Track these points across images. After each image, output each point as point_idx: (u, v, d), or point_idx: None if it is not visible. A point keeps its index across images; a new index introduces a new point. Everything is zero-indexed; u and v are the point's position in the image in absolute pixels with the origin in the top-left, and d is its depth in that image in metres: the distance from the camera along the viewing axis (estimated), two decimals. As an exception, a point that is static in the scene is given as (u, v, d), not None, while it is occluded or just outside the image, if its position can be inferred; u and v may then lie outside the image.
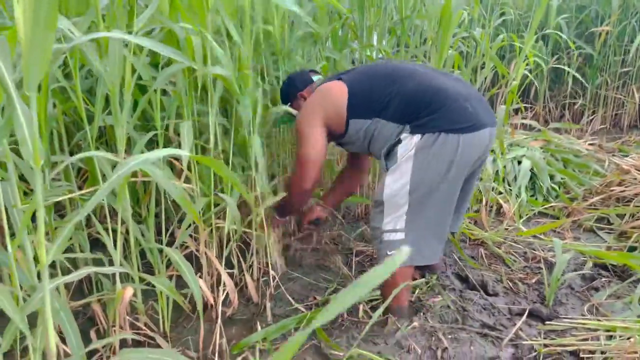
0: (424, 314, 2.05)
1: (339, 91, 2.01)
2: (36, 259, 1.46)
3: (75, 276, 1.20)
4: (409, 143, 1.85)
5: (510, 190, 3.24)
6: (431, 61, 2.60)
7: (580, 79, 4.98)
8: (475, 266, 2.47)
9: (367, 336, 1.90)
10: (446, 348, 1.84)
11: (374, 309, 2.08)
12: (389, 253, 1.94)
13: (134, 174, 1.81)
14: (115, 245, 1.72)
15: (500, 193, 3.14)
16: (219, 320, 1.88)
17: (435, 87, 1.88)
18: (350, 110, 1.99)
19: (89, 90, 2.02)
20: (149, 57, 1.87)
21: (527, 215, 3.08)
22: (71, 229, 1.01)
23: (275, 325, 1.97)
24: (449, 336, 1.92)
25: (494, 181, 3.13)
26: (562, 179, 3.45)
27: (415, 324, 1.95)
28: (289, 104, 2.22)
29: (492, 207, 3.06)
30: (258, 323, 1.97)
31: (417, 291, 2.21)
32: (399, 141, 1.88)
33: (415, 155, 1.83)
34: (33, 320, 1.34)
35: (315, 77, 2.27)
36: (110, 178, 1.08)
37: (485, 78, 2.89)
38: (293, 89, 2.24)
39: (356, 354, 1.76)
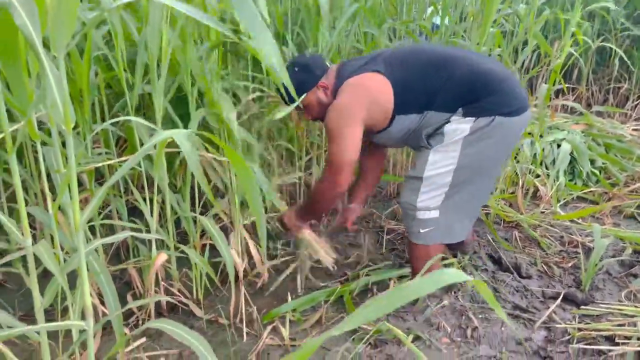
0: (454, 292, 2.03)
1: (382, 88, 1.84)
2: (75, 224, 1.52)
3: (112, 239, 1.24)
4: (461, 125, 1.80)
5: (548, 173, 3.15)
6: (471, 39, 2.54)
7: (627, 61, 4.77)
8: (508, 248, 2.43)
9: (396, 312, 1.90)
10: (476, 327, 1.83)
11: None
12: (421, 231, 1.93)
13: (170, 146, 1.84)
14: (151, 213, 1.77)
15: (538, 176, 3.06)
16: (242, 290, 1.91)
17: (485, 71, 1.83)
18: (397, 106, 1.85)
19: (128, 62, 2.05)
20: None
21: (564, 199, 3.00)
22: (106, 190, 1.03)
23: (305, 297, 1.99)
24: (480, 316, 1.90)
25: (531, 164, 3.05)
26: (603, 163, 3.34)
27: (446, 302, 1.94)
28: (304, 94, 1.92)
29: (528, 189, 2.99)
30: (289, 294, 1.99)
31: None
32: (448, 122, 1.82)
33: (467, 137, 1.80)
34: (73, 281, 1.39)
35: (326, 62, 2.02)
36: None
37: (528, 57, 2.79)
38: (311, 78, 1.93)
39: (385, 328, 1.76)
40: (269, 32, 0.87)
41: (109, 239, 1.18)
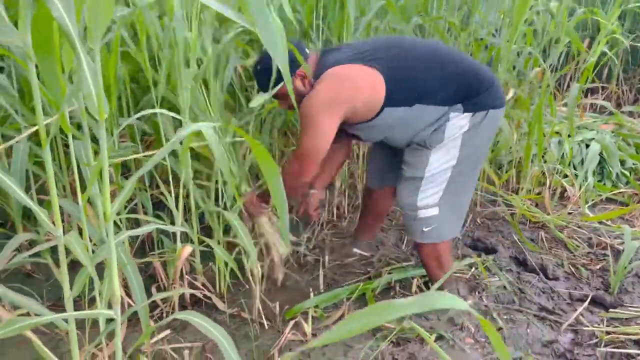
0: (478, 293, 2.01)
1: (371, 81, 1.74)
2: (105, 215, 1.54)
3: (140, 231, 1.25)
4: (460, 121, 1.78)
5: (577, 174, 3.09)
6: (501, 35, 2.49)
7: (660, 60, 4.65)
8: (534, 249, 2.39)
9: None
10: (501, 328, 1.80)
11: (427, 284, 2.06)
12: (425, 230, 1.90)
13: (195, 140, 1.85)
14: (177, 207, 1.78)
15: (566, 176, 3.00)
16: (257, 287, 1.91)
17: (477, 67, 1.86)
18: (388, 99, 1.76)
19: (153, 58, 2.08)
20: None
21: (593, 200, 2.94)
22: (134, 182, 1.04)
23: (327, 293, 1.99)
24: (504, 317, 1.88)
25: (559, 164, 2.99)
26: (633, 164, 3.26)
27: (469, 302, 1.92)
28: (279, 83, 1.74)
29: (555, 190, 2.94)
30: (311, 291, 1.99)
31: (472, 270, 2.16)
32: (447, 120, 1.78)
33: (465, 133, 1.80)
34: (99, 272, 1.41)
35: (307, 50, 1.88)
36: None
37: (560, 55, 2.73)
38: (291, 65, 1.71)
39: (408, 327, 1.75)
40: (273, 26, 0.86)
41: (136, 231, 1.19)
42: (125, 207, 2.03)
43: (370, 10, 2.32)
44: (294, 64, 1.70)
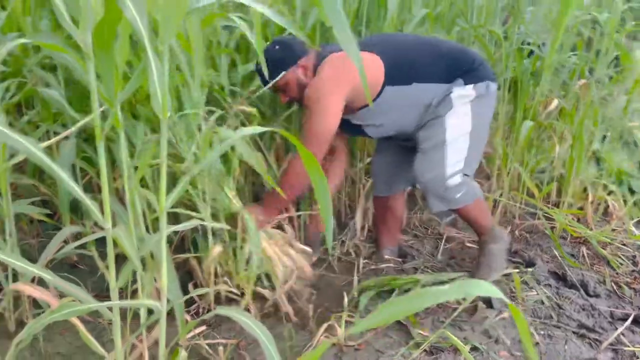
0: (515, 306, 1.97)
1: (370, 63, 1.84)
2: (147, 212, 1.59)
3: (184, 226, 1.29)
4: (465, 91, 1.92)
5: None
6: (547, 45, 2.45)
7: None
8: (574, 265, 2.33)
9: (453, 320, 1.86)
10: (538, 343, 1.77)
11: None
12: (458, 195, 1.98)
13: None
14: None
15: (611, 192, 2.91)
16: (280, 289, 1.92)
17: (461, 47, 2.16)
18: (387, 78, 1.89)
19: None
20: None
21: (638, 217, 2.85)
22: (188, 180, 1.08)
23: (361, 297, 1.99)
24: (542, 332, 1.84)
25: (602, 179, 2.91)
26: (683, 182, 3.14)
27: (505, 315, 1.89)
28: (281, 73, 1.87)
29: (598, 205, 2.86)
30: (344, 295, 2.00)
31: (509, 284, 2.13)
32: (451, 92, 1.92)
33: (473, 101, 1.93)
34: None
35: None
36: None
37: (609, 64, 2.66)
38: (291, 55, 1.90)
39: (442, 337, 1.74)
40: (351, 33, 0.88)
41: (181, 226, 1.23)
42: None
43: (413, 17, 2.32)
44: (294, 55, 1.89)
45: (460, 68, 1.94)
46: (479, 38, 2.61)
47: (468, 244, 2.52)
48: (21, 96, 1.79)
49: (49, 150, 1.83)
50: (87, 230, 1.92)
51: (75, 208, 2.04)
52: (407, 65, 1.92)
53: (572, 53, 2.76)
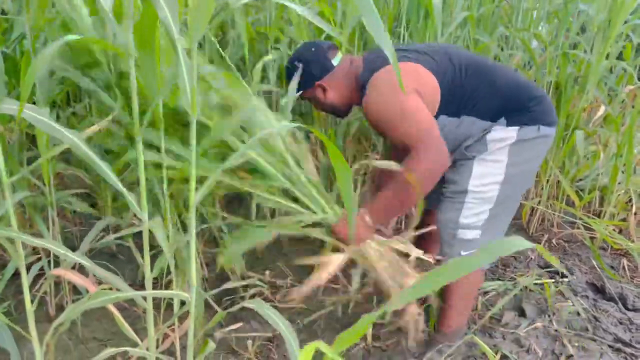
0: (549, 316, 1.93)
1: (434, 84, 1.61)
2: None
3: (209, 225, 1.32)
4: (506, 133, 1.62)
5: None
6: (593, 51, 2.38)
7: None
8: (614, 277, 2.26)
9: (483, 327, 1.84)
10: (571, 355, 1.72)
11: (490, 301, 2.01)
12: (463, 253, 1.69)
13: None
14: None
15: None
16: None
17: (526, 81, 1.73)
18: (441, 106, 1.63)
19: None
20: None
21: (685, 231, 2.73)
22: (219, 173, 1.11)
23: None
24: (576, 344, 1.79)
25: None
26: None
27: (538, 324, 1.85)
28: (300, 91, 1.69)
29: (642, 216, 2.75)
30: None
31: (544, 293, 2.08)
32: (489, 132, 1.63)
33: (512, 146, 1.63)
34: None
35: (335, 60, 1.72)
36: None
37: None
38: (309, 78, 1.71)
39: (471, 342, 1.72)
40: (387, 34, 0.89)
41: (205, 225, 1.26)
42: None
43: (454, 19, 2.29)
44: (311, 77, 1.69)
45: (510, 105, 1.64)
46: (524, 41, 2.56)
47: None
48: (64, 89, 1.85)
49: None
50: (126, 221, 1.99)
51: (117, 200, 2.12)
52: (461, 95, 1.64)
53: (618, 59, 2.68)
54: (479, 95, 1.63)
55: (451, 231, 1.69)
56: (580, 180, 2.89)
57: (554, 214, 2.73)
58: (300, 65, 1.68)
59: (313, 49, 1.72)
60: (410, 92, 1.53)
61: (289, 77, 1.68)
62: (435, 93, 1.61)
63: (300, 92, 1.69)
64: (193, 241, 1.09)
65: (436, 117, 1.62)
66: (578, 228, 2.68)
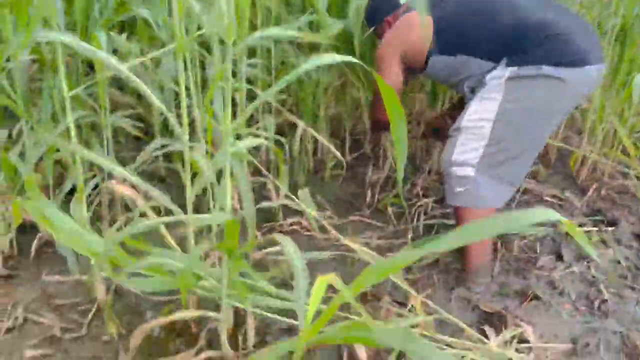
0: (587, 262, 1.90)
1: (420, 25, 1.75)
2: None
3: (253, 142, 1.34)
4: (502, 72, 1.62)
5: None
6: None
7: None
8: (663, 229, 2.19)
9: (517, 269, 1.85)
10: (605, 300, 1.71)
11: (527, 244, 2.00)
12: (457, 190, 1.70)
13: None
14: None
15: None
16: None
17: (537, 21, 1.63)
18: (434, 46, 1.72)
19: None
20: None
21: None
22: (257, 104, 1.15)
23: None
24: (612, 290, 1.77)
25: None
26: None
27: (575, 269, 1.84)
28: (374, 28, 1.99)
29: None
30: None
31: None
32: (491, 71, 1.65)
33: (508, 82, 1.61)
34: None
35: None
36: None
37: None
38: (379, 14, 1.97)
39: (501, 282, 1.74)
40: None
41: (250, 142, 1.29)
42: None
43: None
44: (380, 13, 1.95)
45: (508, 48, 1.63)
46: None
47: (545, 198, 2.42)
48: (116, 15, 1.91)
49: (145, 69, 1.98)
50: (176, 147, 2.08)
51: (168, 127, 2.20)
52: (456, 34, 1.72)
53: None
54: (483, 36, 1.67)
55: (447, 169, 1.71)
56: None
57: (606, 163, 2.62)
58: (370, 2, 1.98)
59: None
60: (396, 55, 1.79)
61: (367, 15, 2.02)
62: (424, 40, 1.73)
63: (372, 28, 1.98)
64: (228, 162, 1.15)
65: (427, 58, 1.75)
66: (631, 179, 2.57)
